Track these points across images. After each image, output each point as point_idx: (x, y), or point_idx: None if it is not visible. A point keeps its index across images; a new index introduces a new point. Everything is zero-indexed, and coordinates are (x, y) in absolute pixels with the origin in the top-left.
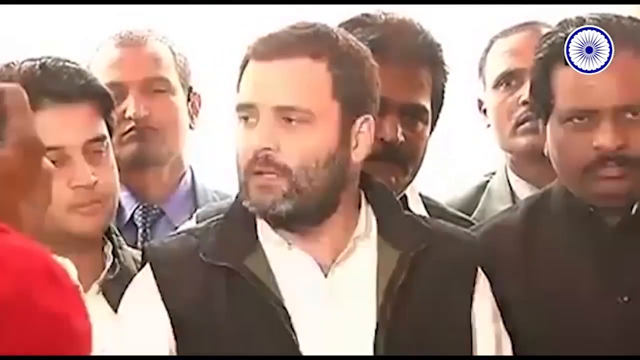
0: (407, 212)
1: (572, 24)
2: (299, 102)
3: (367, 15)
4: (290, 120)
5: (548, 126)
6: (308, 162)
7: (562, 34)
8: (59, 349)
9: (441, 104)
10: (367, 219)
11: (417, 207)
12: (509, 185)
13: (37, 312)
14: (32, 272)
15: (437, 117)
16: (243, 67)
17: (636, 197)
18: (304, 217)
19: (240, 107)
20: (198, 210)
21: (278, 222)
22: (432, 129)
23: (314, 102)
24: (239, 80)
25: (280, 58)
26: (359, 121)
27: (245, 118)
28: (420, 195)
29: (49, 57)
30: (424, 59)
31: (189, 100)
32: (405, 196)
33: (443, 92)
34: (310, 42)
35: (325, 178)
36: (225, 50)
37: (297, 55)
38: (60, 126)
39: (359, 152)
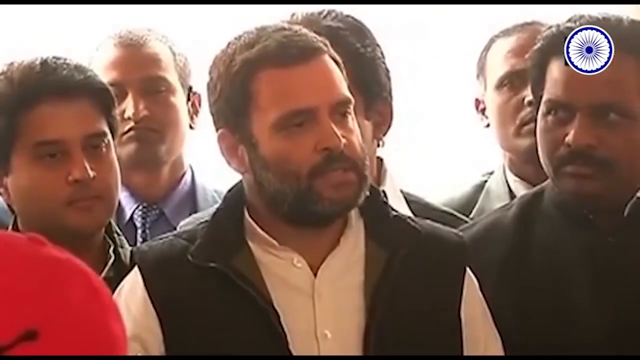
0: (395, 213)
1: (570, 20)
2: (348, 93)
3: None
4: (343, 114)
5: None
6: (362, 149)
7: (561, 29)
8: (99, 354)
9: (370, 87)
10: (356, 219)
11: (398, 204)
12: (507, 184)
13: (77, 321)
14: (71, 282)
15: (373, 101)
16: (249, 80)
17: (606, 198)
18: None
19: (296, 114)
20: (182, 222)
21: (330, 220)
22: (389, 114)
23: (348, 93)
24: (248, 95)
25: (311, 59)
26: None
27: (298, 124)
28: (402, 191)
29: (50, 55)
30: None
31: (188, 100)
32: (383, 192)
33: (364, 74)
34: (321, 43)
35: (368, 166)
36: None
37: (322, 54)
38: (59, 120)
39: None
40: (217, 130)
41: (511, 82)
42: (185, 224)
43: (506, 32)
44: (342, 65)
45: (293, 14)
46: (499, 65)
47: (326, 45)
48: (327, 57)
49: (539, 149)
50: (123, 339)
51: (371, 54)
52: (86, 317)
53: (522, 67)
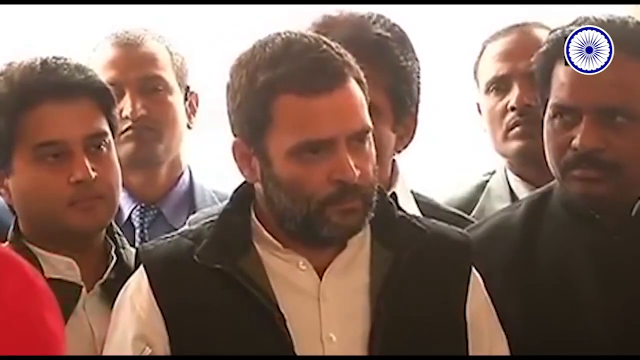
0: (400, 213)
1: (576, 23)
2: (368, 123)
3: (328, 16)
4: (361, 141)
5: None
6: (373, 178)
7: (566, 32)
8: (35, 348)
9: (409, 96)
10: None
11: (408, 204)
12: (508, 184)
13: (11, 313)
14: (6, 275)
15: (416, 107)
16: (270, 101)
17: (614, 200)
18: None
19: (314, 143)
20: (191, 217)
21: (332, 243)
22: (415, 123)
23: (368, 120)
24: (267, 116)
25: (336, 87)
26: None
27: (314, 151)
28: (412, 192)
29: (50, 55)
30: (364, 56)
31: (186, 99)
32: (394, 194)
33: (405, 84)
34: (348, 67)
35: (375, 190)
36: (223, 49)
37: (347, 81)
38: (60, 120)
39: None
40: (233, 134)
41: (497, 87)
42: (195, 218)
43: (494, 37)
44: (365, 84)
45: (340, 13)
46: (487, 70)
47: (351, 68)
48: (351, 84)
49: (546, 151)
50: (58, 330)
51: (411, 68)
52: (20, 309)
53: (505, 72)
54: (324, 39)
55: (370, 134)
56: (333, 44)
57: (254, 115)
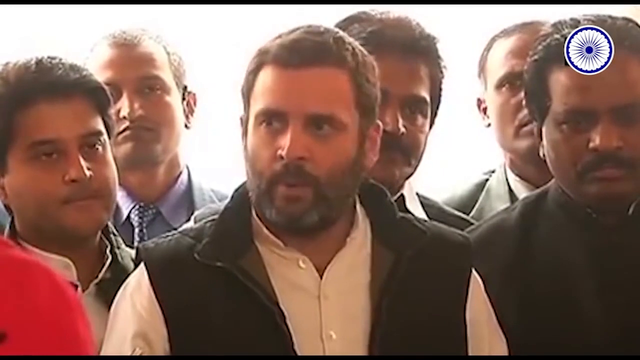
0: (401, 214)
1: (566, 25)
2: (333, 111)
3: (363, 12)
4: (320, 128)
5: (544, 128)
6: (335, 171)
7: (557, 36)
8: (65, 353)
9: (439, 100)
10: (362, 220)
11: (414, 207)
12: (508, 184)
13: (44, 322)
14: (38, 284)
15: (435, 113)
16: (256, 71)
17: (633, 198)
18: (326, 225)
19: (266, 113)
20: (196, 212)
21: (298, 232)
22: (430, 125)
23: (344, 111)
24: (251, 84)
25: (308, 66)
26: (372, 128)
27: (269, 123)
28: (418, 194)
29: (45, 55)
30: (421, 52)
31: (184, 99)
32: (402, 196)
33: (440, 87)
34: (333, 51)
35: (348, 187)
36: (220, 49)
37: (324, 64)
38: (55, 119)
39: (371, 159)
40: None
41: (511, 82)
42: (201, 214)
43: (506, 32)
44: (360, 76)
45: (382, 15)
46: (499, 65)
47: (339, 56)
48: (327, 69)
49: (552, 159)
50: (89, 338)
51: (444, 72)
52: (52, 318)
53: (522, 68)
54: (333, 28)
55: (336, 124)
56: (340, 33)
57: (244, 86)
